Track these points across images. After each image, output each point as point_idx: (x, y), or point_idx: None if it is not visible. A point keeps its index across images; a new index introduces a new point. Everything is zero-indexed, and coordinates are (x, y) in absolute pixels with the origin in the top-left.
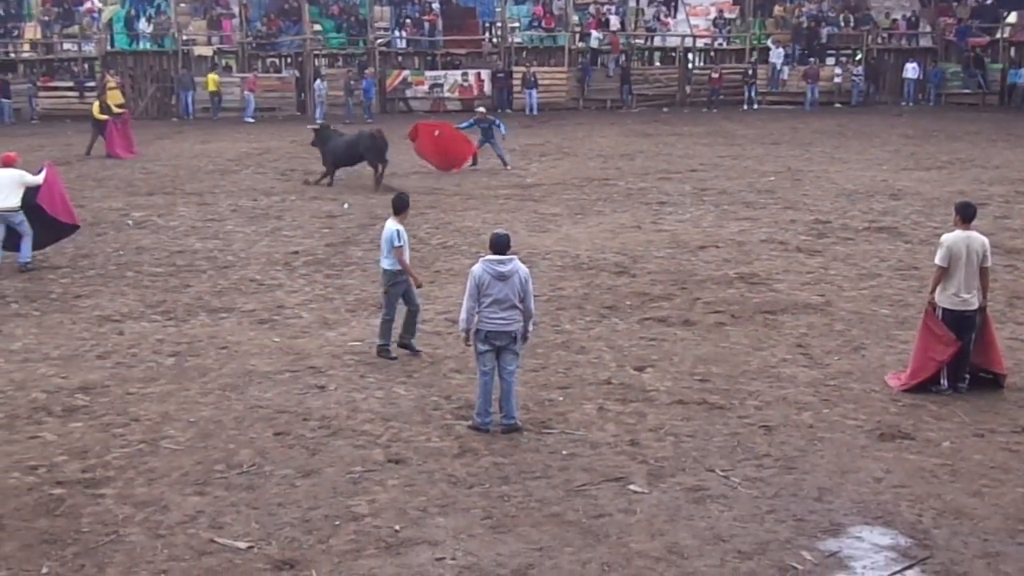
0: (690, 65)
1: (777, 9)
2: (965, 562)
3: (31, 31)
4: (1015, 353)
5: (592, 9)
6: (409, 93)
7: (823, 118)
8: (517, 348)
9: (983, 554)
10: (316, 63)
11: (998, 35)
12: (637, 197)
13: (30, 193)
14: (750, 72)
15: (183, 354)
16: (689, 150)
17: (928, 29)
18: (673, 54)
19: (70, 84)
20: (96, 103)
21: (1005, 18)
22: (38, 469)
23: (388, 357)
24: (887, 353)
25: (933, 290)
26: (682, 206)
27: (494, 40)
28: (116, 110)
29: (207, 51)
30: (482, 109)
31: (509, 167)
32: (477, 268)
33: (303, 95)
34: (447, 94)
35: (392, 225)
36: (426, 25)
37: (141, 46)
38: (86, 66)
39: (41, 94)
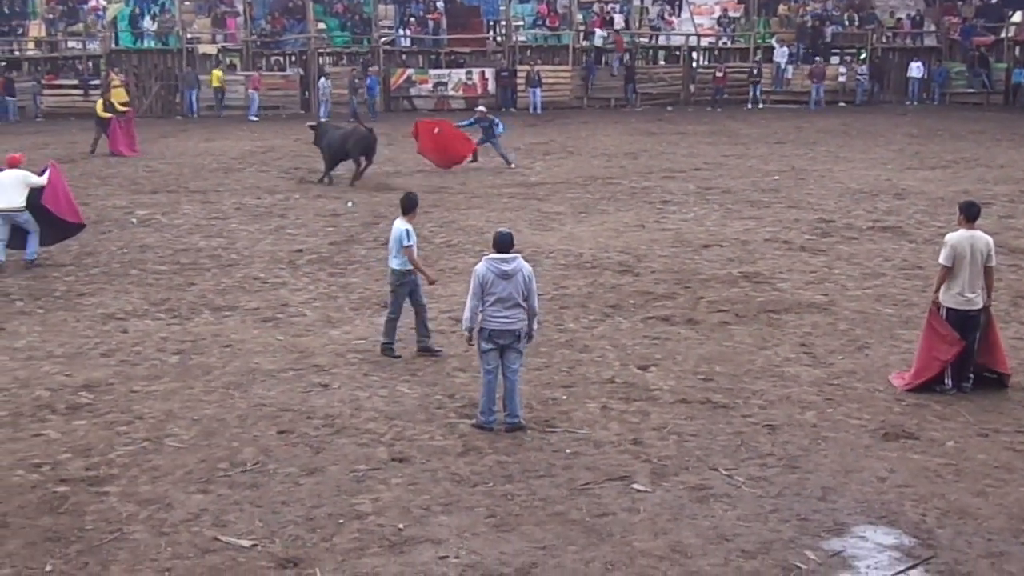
0: (694, 64)
1: (781, 8)
2: (969, 562)
3: (35, 29)
4: (1019, 353)
5: (596, 8)
6: (413, 92)
7: (827, 117)
8: (521, 347)
9: (987, 554)
10: (320, 61)
11: (1003, 34)
12: (641, 196)
13: (35, 194)
14: (755, 71)
15: (187, 352)
16: (693, 149)
17: (933, 28)
18: (677, 53)
19: (74, 82)
20: (100, 101)
21: (1010, 17)
22: (42, 467)
23: (392, 355)
24: (891, 353)
25: (937, 289)
26: (686, 205)
27: (498, 39)
28: (120, 108)
29: (211, 49)
30: (482, 108)
31: (513, 165)
32: (481, 267)
33: (307, 93)
34: (451, 93)
35: (401, 225)
36: (430, 23)
37: (145, 44)
38: (90, 64)
39: (45, 92)
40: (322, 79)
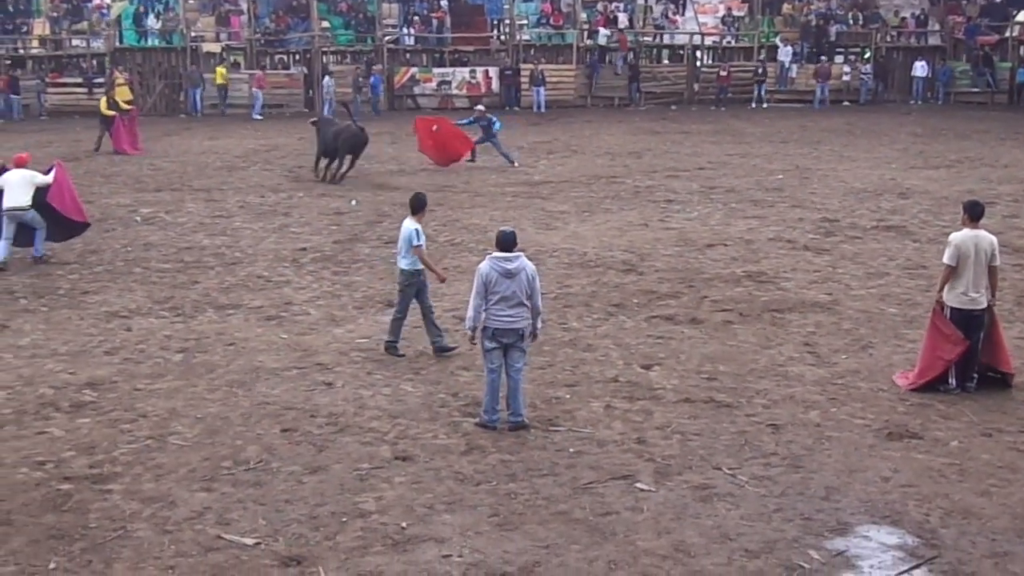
0: (698, 63)
1: (786, 7)
2: (973, 562)
3: (40, 27)
4: (1023, 352)
5: (600, 6)
6: (417, 90)
7: (831, 116)
8: (524, 345)
9: (991, 554)
10: (324, 60)
11: (1007, 33)
12: (645, 195)
13: (40, 192)
14: (759, 70)
15: (190, 350)
16: (697, 148)
17: (937, 27)
18: (681, 52)
19: (79, 80)
20: (104, 99)
21: (1014, 16)
22: (46, 465)
23: (396, 354)
24: (895, 352)
25: (941, 289)
26: (690, 204)
27: (502, 37)
28: (124, 106)
29: (215, 48)
30: (481, 107)
31: (516, 164)
32: (484, 266)
33: (311, 92)
34: (455, 91)
35: (410, 224)
36: (434, 22)
37: (149, 42)
38: (95, 62)
39: (50, 90)
40: (326, 78)
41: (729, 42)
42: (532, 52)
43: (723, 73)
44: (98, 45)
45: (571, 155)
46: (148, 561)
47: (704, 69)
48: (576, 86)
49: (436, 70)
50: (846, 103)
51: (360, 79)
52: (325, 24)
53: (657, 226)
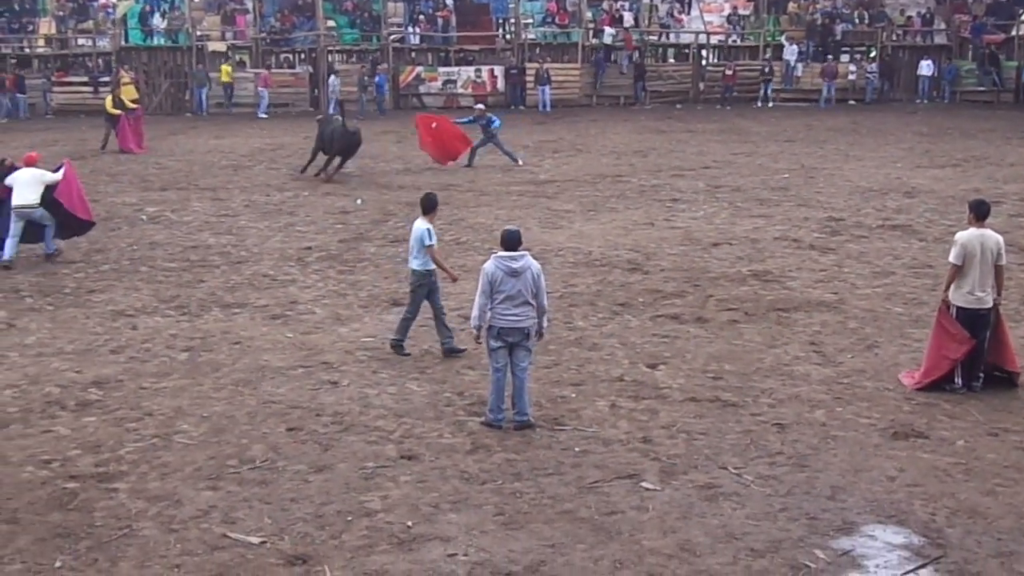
0: (704, 62)
1: (791, 6)
2: (979, 561)
3: (46, 26)
4: None
5: (606, 5)
6: (422, 89)
7: (837, 115)
8: (530, 344)
9: (997, 553)
10: (330, 59)
11: (1013, 32)
12: (650, 194)
13: (48, 189)
14: (765, 69)
15: (196, 349)
16: (703, 147)
17: (943, 26)
18: (687, 51)
19: (84, 79)
20: (109, 98)
21: (1021, 15)
22: (52, 463)
23: (401, 353)
24: (901, 351)
25: (947, 288)
26: (695, 203)
27: (507, 36)
28: (130, 105)
29: (221, 47)
30: (481, 107)
31: (520, 163)
32: (489, 265)
33: (316, 91)
34: (460, 90)
35: (422, 225)
36: (440, 21)
37: (155, 42)
38: (100, 61)
39: (56, 89)
40: (331, 77)
41: (735, 41)
42: (537, 51)
43: (729, 72)
44: (104, 44)
45: (576, 154)
46: (154, 560)
47: (710, 68)
48: (581, 85)
49: (441, 69)
50: (852, 102)
51: (365, 78)
52: (330, 23)
53: (662, 225)
